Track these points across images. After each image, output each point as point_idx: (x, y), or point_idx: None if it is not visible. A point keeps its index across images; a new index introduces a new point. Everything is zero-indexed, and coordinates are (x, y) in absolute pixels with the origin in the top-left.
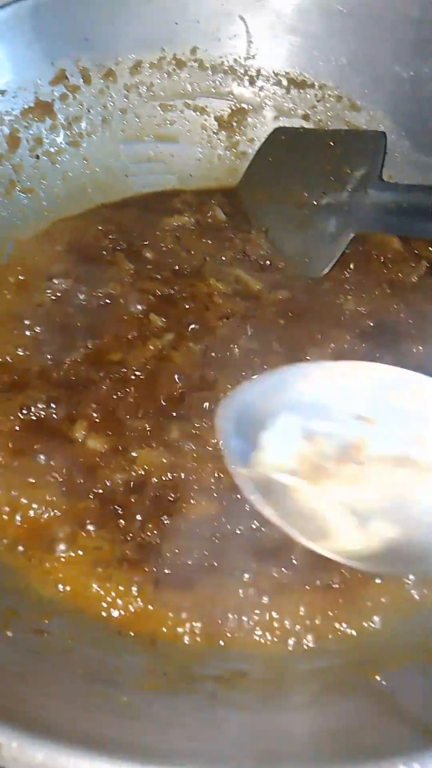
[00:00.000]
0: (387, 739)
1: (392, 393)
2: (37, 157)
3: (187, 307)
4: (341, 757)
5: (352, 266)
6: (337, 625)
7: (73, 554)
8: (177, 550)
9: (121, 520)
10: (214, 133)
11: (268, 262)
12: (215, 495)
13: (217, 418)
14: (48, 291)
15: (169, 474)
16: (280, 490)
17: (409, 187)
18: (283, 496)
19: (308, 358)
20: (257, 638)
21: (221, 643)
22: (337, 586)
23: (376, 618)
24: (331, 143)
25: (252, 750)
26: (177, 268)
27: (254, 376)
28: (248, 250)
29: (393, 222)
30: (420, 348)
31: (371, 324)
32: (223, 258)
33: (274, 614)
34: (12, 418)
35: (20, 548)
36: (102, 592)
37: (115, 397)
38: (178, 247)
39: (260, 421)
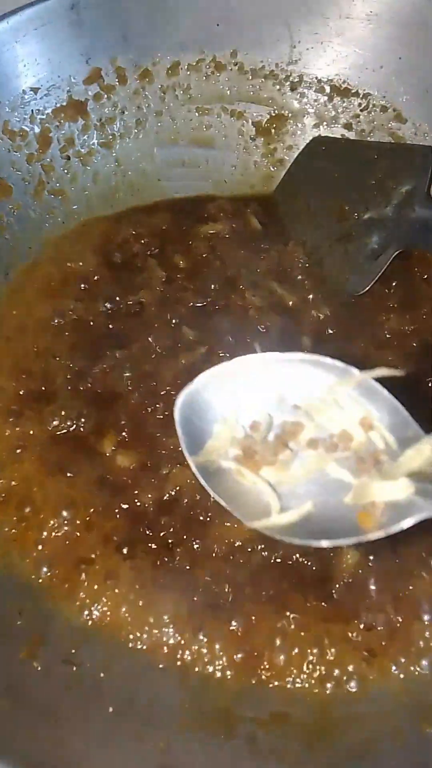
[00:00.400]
0: None
1: (326, 383)
2: (68, 158)
3: (220, 319)
4: None
5: (394, 283)
6: (381, 668)
7: (99, 577)
8: (210, 578)
9: (152, 543)
10: (251, 138)
11: (304, 276)
12: None
13: (175, 408)
14: (75, 296)
15: (200, 495)
16: (227, 476)
17: None
18: (230, 480)
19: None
20: (296, 677)
21: (256, 680)
22: (381, 628)
23: (424, 662)
24: (375, 156)
25: None
26: (210, 278)
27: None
28: (284, 263)
29: None
30: None
31: (414, 344)
32: (258, 269)
33: (314, 651)
34: (41, 431)
35: (44, 569)
36: (131, 619)
37: (144, 412)
38: (212, 256)
39: (213, 412)
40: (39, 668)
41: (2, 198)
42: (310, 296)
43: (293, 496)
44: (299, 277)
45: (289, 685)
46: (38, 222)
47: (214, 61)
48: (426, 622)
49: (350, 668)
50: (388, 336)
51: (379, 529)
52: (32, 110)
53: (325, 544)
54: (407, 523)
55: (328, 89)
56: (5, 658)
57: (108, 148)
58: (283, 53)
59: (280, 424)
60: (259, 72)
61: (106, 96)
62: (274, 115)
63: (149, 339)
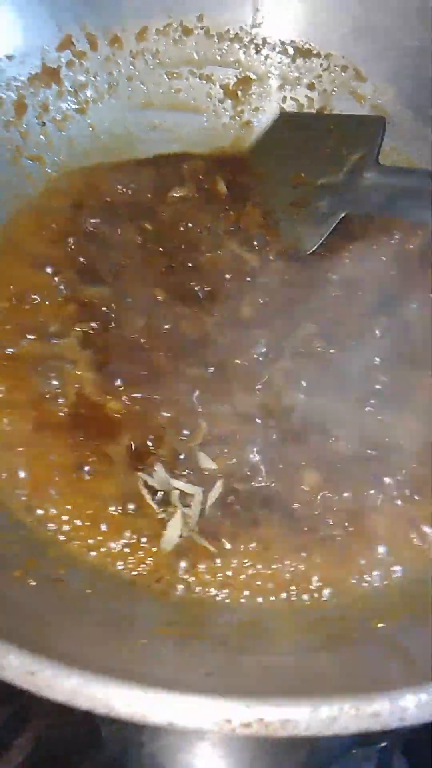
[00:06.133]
0: (394, 675)
1: None
2: (44, 123)
3: (189, 280)
4: (351, 692)
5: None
6: (338, 579)
7: (78, 506)
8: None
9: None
10: (219, 101)
11: (261, 237)
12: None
13: None
14: (53, 261)
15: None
16: None
17: (402, 170)
18: None
19: (313, 325)
20: (265, 591)
21: (229, 597)
22: (340, 538)
23: (375, 573)
24: (332, 127)
25: (269, 685)
26: (178, 240)
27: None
28: (242, 224)
29: (384, 204)
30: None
31: (370, 293)
32: (220, 231)
33: (277, 566)
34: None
35: (38, 510)
36: (112, 545)
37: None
38: (180, 218)
39: None
40: (33, 583)
41: None
42: (267, 255)
43: None
44: (256, 238)
45: (259, 599)
46: (16, 188)
47: (182, 26)
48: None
49: (311, 578)
50: (343, 285)
51: None
52: (7, 77)
53: None
54: None
55: (291, 51)
56: (1, 577)
57: (82, 113)
58: (247, 16)
59: None
60: (225, 35)
61: (78, 62)
62: (240, 78)
63: (129, 298)
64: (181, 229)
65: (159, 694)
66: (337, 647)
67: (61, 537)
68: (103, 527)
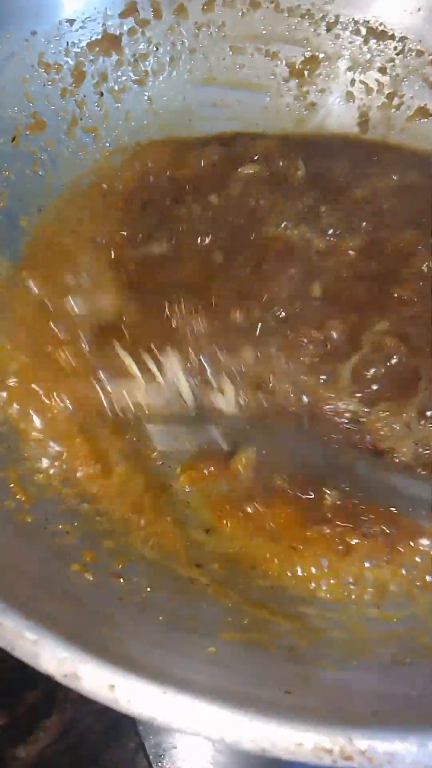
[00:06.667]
0: None
1: None
2: (101, 93)
3: (249, 256)
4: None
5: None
6: (415, 588)
7: (128, 497)
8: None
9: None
10: (284, 80)
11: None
12: None
13: None
14: (109, 231)
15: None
16: None
17: None
18: None
19: (384, 322)
20: (329, 598)
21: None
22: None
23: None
24: None
25: (354, 707)
26: (241, 217)
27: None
28: (319, 211)
29: None
30: None
31: None
32: (291, 213)
33: (347, 576)
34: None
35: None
36: (163, 540)
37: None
38: (248, 196)
39: None
40: (91, 578)
41: (37, 132)
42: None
43: None
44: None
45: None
46: (71, 159)
47: None
48: None
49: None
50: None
51: None
52: (67, 42)
53: None
54: None
55: (363, 31)
56: (60, 571)
57: (141, 85)
58: None
59: None
60: (295, 11)
61: (140, 31)
62: (308, 56)
63: (184, 269)
64: (248, 207)
65: (251, 719)
66: (411, 664)
67: (111, 528)
68: (152, 519)
